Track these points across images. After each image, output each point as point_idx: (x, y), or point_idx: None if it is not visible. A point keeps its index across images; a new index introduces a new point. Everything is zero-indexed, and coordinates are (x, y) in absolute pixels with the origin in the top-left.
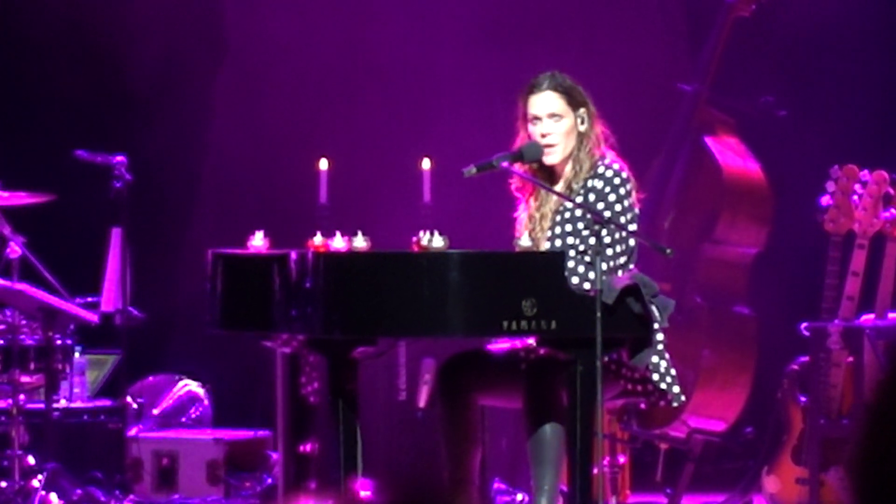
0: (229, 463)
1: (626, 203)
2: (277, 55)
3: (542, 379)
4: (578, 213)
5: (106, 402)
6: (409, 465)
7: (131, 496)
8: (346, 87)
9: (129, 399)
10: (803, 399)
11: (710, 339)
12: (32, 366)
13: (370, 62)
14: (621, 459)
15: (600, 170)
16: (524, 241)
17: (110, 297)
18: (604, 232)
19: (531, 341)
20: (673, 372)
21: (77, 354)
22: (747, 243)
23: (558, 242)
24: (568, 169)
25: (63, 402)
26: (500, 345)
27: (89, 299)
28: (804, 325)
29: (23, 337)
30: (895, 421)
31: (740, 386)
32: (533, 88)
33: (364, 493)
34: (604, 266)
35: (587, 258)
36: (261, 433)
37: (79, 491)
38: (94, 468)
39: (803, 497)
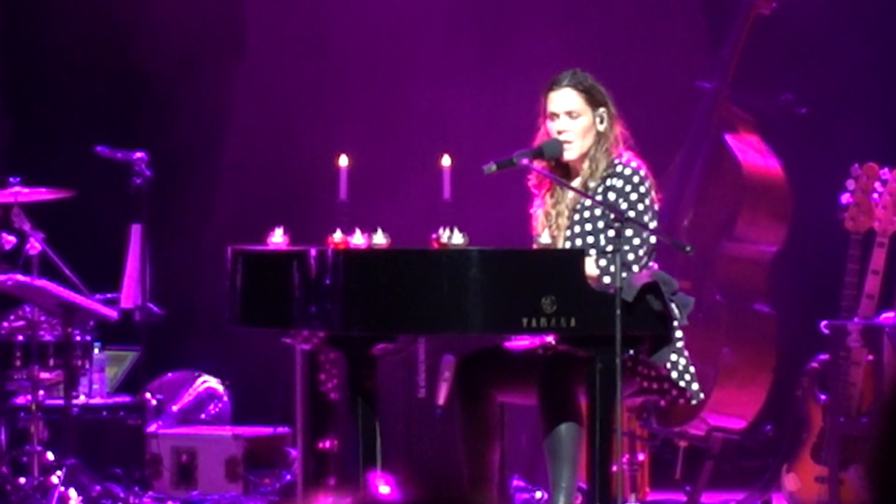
0: (248, 459)
1: (647, 201)
2: (297, 52)
3: (558, 376)
4: (597, 211)
5: (125, 399)
6: (428, 462)
7: (150, 493)
8: (367, 84)
9: (148, 395)
10: (823, 397)
11: (729, 337)
12: (52, 362)
13: (391, 59)
14: (641, 457)
15: (619, 168)
16: (544, 239)
17: (130, 293)
18: (628, 232)
19: (550, 339)
20: (692, 369)
21: (96, 351)
22: (767, 241)
23: (578, 241)
24: (584, 167)
25: (82, 399)
26: (518, 342)
27: (109, 296)
28: (824, 323)
29: (42, 333)
30: None
31: (760, 384)
32: (553, 85)
33: (384, 490)
34: (634, 266)
35: (616, 257)
36: (280, 430)
37: (98, 487)
38: (113, 464)
39: (823, 495)
